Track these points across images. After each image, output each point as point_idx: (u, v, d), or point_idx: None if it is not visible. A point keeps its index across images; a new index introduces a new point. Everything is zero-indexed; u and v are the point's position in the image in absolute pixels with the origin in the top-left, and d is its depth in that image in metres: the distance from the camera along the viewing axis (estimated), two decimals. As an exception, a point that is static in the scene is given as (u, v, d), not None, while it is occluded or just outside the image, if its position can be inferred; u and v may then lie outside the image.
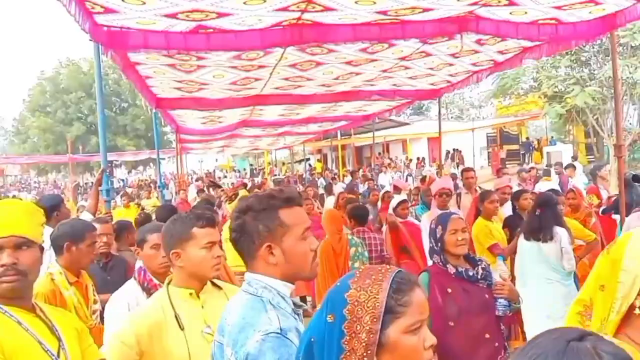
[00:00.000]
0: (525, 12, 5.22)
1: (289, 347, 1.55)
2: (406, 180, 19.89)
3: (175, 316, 2.26)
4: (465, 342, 3.00)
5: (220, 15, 4.58)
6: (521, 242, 4.77)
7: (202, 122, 11.96)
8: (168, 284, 2.39)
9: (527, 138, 30.99)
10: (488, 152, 32.64)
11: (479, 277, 3.12)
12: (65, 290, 3.11)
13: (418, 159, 30.37)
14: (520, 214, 5.75)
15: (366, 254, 5.34)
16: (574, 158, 19.26)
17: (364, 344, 1.25)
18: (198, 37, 5.04)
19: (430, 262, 5.31)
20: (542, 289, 4.57)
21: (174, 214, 5.21)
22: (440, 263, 3.18)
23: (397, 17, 5.08)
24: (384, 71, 7.62)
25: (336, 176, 22.50)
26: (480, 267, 3.17)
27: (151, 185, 23.37)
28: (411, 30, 5.35)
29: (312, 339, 1.32)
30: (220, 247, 2.58)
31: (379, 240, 5.78)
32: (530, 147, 28.98)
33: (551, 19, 5.47)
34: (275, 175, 28.34)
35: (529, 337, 4.49)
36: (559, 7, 5.10)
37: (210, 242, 2.37)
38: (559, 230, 4.60)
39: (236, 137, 16.10)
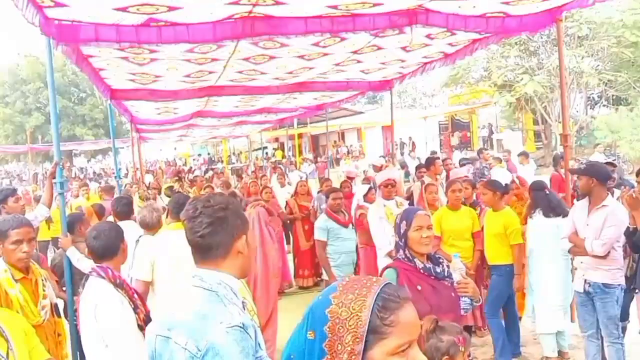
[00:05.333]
0: (474, 7, 5.35)
1: (249, 341, 1.64)
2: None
3: None
4: None
5: (171, 8, 4.55)
6: (539, 221, 4.96)
7: (157, 113, 11.79)
8: None
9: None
10: (440, 139, 33.30)
11: (445, 274, 3.03)
12: (11, 289, 3.04)
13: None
14: None
15: None
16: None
17: None
18: (150, 31, 4.99)
19: (384, 251, 5.49)
20: (560, 263, 4.84)
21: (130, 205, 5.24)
22: (407, 259, 3.03)
23: (348, 10, 5.15)
24: (337, 64, 7.66)
25: (293, 164, 22.55)
26: (443, 264, 3.08)
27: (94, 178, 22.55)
28: (362, 23, 5.39)
29: (292, 356, 1.24)
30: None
31: None
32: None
33: (499, 12, 5.61)
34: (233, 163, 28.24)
35: (547, 311, 4.83)
36: (507, 2, 5.26)
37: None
38: None
39: (193, 127, 15.96)
